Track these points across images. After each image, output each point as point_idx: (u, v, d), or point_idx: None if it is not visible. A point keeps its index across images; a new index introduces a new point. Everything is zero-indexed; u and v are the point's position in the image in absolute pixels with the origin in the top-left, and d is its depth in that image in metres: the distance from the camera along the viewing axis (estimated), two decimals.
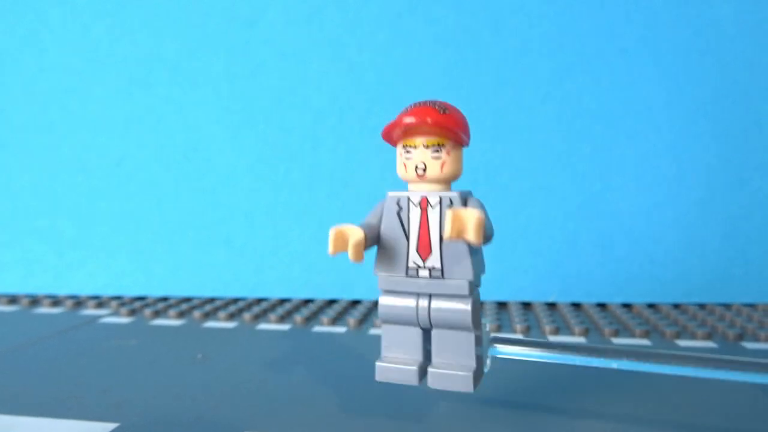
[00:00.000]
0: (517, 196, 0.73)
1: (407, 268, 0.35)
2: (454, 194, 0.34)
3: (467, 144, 0.35)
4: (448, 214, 0.30)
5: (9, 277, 0.83)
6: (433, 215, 0.34)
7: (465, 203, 0.34)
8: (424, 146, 0.34)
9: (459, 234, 0.30)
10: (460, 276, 0.34)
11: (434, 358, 0.35)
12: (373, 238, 0.35)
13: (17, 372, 0.49)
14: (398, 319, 0.35)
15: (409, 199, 0.35)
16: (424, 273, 0.34)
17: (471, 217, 0.30)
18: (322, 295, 0.75)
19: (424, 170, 0.34)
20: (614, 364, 0.36)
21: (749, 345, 0.53)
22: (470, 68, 0.74)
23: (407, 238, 0.35)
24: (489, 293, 0.71)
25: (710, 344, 0.53)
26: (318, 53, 0.76)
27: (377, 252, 0.35)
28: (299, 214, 0.77)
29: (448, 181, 0.35)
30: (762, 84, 0.69)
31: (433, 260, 0.34)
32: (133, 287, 0.79)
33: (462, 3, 0.73)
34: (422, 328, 0.35)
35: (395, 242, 0.35)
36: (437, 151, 0.34)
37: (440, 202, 0.34)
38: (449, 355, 0.35)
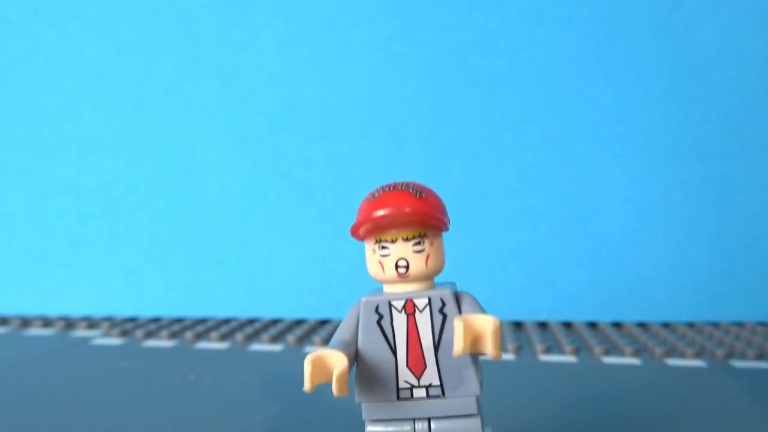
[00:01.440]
0: (507, 217, 0.73)
1: (398, 389, 0.29)
2: (444, 292, 0.29)
3: (447, 229, 0.30)
4: (458, 325, 0.25)
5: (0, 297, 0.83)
6: (423, 321, 0.29)
7: (458, 301, 0.29)
8: (403, 239, 0.29)
9: (473, 348, 0.26)
10: (465, 392, 0.29)
11: None
12: (353, 360, 0.29)
13: (7, 395, 0.49)
14: None
15: (390, 304, 0.29)
16: (419, 393, 0.29)
17: (487, 325, 0.26)
18: (314, 315, 0.75)
19: (407, 268, 0.28)
20: None
21: (737, 364, 0.54)
22: (459, 90, 0.75)
23: (394, 352, 0.29)
24: None
25: (699, 363, 0.54)
26: (309, 76, 0.77)
27: (357, 374, 0.29)
28: (291, 235, 0.77)
29: (432, 277, 0.30)
30: (745, 105, 0.71)
31: (430, 376, 0.29)
32: (124, 308, 0.79)
33: (450, 27, 0.75)
34: None
35: (379, 359, 0.29)
36: (419, 243, 0.29)
37: (429, 305, 0.29)
38: None
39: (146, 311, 0.79)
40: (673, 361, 0.55)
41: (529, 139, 0.74)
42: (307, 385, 0.26)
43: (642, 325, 0.69)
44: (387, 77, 0.76)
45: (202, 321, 0.76)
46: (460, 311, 0.29)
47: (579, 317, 0.71)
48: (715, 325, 0.68)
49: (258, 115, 0.78)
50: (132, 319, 0.78)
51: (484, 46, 0.74)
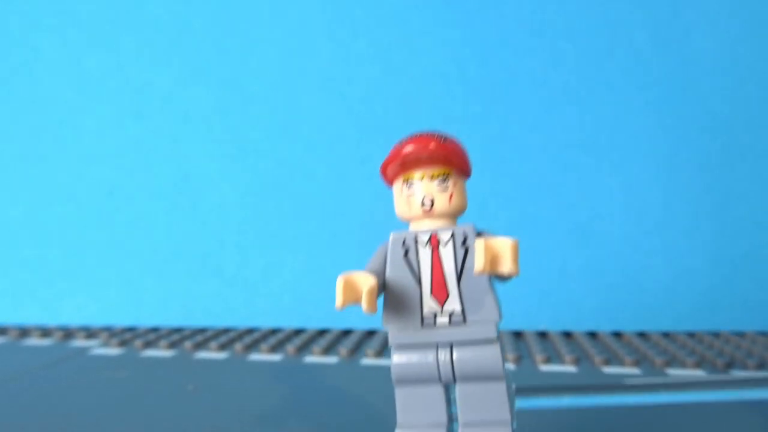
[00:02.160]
0: (506, 226, 0.73)
1: (422, 316, 0.30)
2: (468, 228, 0.31)
3: (470, 174, 0.32)
4: (479, 244, 0.27)
5: None
6: (447, 254, 0.30)
7: (480, 235, 0.31)
8: (428, 178, 0.30)
9: (492, 266, 0.27)
10: (486, 317, 0.30)
11: (463, 418, 0.30)
12: (381, 287, 0.30)
13: (5, 406, 0.49)
14: (417, 378, 0.31)
15: (416, 238, 0.31)
16: (442, 320, 0.30)
17: (505, 244, 0.27)
18: (313, 324, 0.75)
19: (432, 204, 0.30)
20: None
21: (738, 373, 0.53)
22: (458, 100, 0.75)
23: (419, 282, 0.31)
24: None
25: (699, 373, 0.54)
26: (308, 86, 0.78)
27: (385, 302, 0.31)
28: (290, 244, 0.77)
29: (455, 216, 0.31)
30: (744, 115, 0.71)
31: (452, 303, 0.30)
32: (123, 317, 0.79)
33: (450, 37, 0.75)
34: (444, 385, 0.31)
35: (405, 288, 0.31)
36: (444, 181, 0.30)
37: (452, 239, 0.30)
38: (480, 413, 0.30)
39: (145, 321, 0.78)
40: (673, 371, 0.54)
41: (528, 149, 0.74)
42: (338, 303, 0.28)
43: (642, 335, 0.69)
44: (386, 86, 0.76)
45: (201, 331, 0.76)
46: None
47: (579, 327, 0.71)
48: (716, 334, 0.68)
49: (257, 125, 0.79)
50: (131, 329, 0.78)
51: (483, 55, 0.75)
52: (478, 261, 0.27)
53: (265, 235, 0.78)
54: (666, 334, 0.69)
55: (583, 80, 0.73)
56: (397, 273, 0.31)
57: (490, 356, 0.30)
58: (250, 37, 0.79)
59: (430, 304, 0.30)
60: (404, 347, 0.31)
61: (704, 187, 0.72)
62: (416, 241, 0.31)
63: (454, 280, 0.30)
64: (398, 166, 0.31)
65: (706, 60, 0.71)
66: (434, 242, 0.31)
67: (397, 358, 0.31)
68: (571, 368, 0.56)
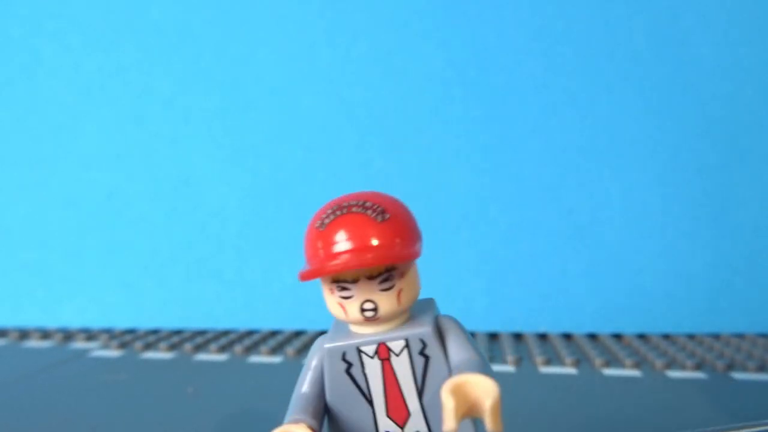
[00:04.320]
0: (507, 229, 0.73)
1: None
2: (423, 331, 0.24)
3: (420, 253, 0.25)
4: (447, 400, 0.21)
5: None
6: (401, 365, 0.25)
7: (441, 332, 0.25)
8: (366, 278, 0.24)
9: (467, 415, 0.22)
10: None
11: None
12: (322, 418, 0.25)
13: (5, 408, 0.49)
14: None
15: (359, 350, 0.25)
16: None
17: (485, 395, 0.21)
18: (313, 326, 0.75)
19: (375, 311, 0.24)
20: None
21: (738, 375, 0.53)
22: (457, 103, 0.75)
23: (370, 402, 0.25)
24: (480, 324, 0.71)
25: (700, 375, 0.54)
26: (308, 89, 0.78)
27: (330, 430, 0.26)
28: (289, 247, 0.77)
29: (407, 311, 0.25)
30: (744, 118, 0.71)
31: (415, 423, 0.25)
32: (123, 320, 0.79)
33: (450, 40, 0.75)
34: None
35: (353, 412, 0.25)
36: (387, 279, 0.24)
37: (407, 347, 0.25)
38: None
39: (145, 323, 0.78)
40: (673, 373, 0.54)
41: (528, 152, 0.74)
42: None
43: (642, 337, 0.69)
44: (386, 90, 0.76)
45: (201, 333, 0.76)
46: (444, 350, 0.25)
47: (579, 329, 0.71)
48: (716, 336, 0.68)
49: (257, 128, 0.79)
50: (131, 331, 0.78)
51: (482, 59, 0.75)
52: (447, 422, 0.21)
53: (264, 238, 0.78)
54: (666, 336, 0.69)
55: (582, 84, 0.73)
56: (340, 395, 0.25)
57: None
58: (250, 41, 0.79)
59: (387, 425, 0.25)
60: None
61: (704, 190, 0.72)
62: (360, 354, 0.25)
63: (415, 396, 0.25)
64: (324, 276, 0.24)
65: (705, 64, 0.71)
66: (383, 353, 0.25)
67: None
68: (571, 370, 0.56)
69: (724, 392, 0.49)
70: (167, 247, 0.80)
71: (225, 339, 0.70)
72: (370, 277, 0.24)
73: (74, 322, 0.80)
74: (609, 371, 0.55)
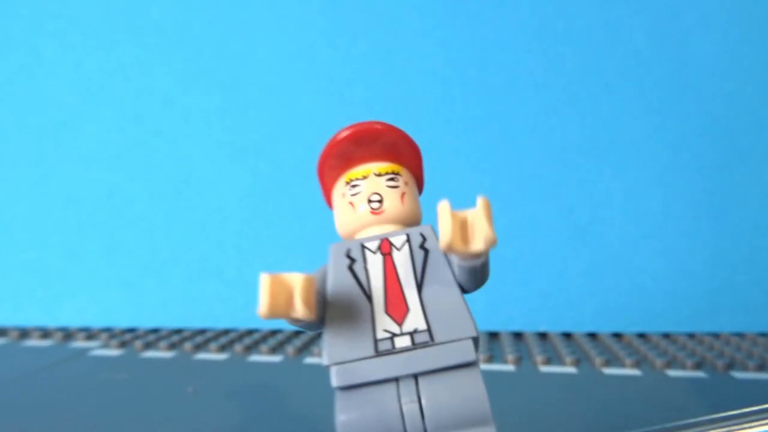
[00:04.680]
0: (507, 228, 0.73)
1: (376, 341, 0.24)
2: (424, 227, 0.25)
3: (422, 183, 0.27)
4: (444, 212, 0.22)
5: None
6: (402, 259, 0.25)
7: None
8: (375, 174, 0.26)
9: (463, 243, 0.22)
10: (459, 333, 0.24)
11: None
12: (321, 304, 0.24)
13: (5, 407, 0.49)
14: None
15: (363, 246, 0.25)
16: (402, 342, 0.23)
17: (477, 212, 0.22)
18: None
19: (380, 202, 0.25)
20: None
21: (738, 374, 0.53)
22: (458, 102, 0.75)
23: (369, 298, 0.24)
24: (480, 324, 0.71)
25: (700, 374, 0.54)
26: (308, 88, 0.78)
27: (326, 332, 0.24)
28: (290, 246, 0.77)
29: (409, 222, 0.26)
30: (744, 117, 0.71)
31: (414, 320, 0.24)
32: (123, 319, 0.79)
33: (450, 40, 0.75)
34: None
35: (352, 308, 0.24)
36: (393, 179, 0.26)
37: (408, 242, 0.25)
38: None
39: (145, 322, 0.78)
40: (673, 372, 0.54)
41: (528, 151, 0.74)
42: (263, 308, 0.22)
43: (642, 336, 0.69)
44: (386, 89, 0.76)
45: (201, 332, 0.76)
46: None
47: (579, 328, 0.71)
48: (716, 335, 0.68)
49: (257, 127, 0.79)
50: (131, 330, 0.78)
51: (482, 58, 0.75)
52: (444, 229, 0.21)
53: (264, 237, 0.78)
54: (666, 336, 0.69)
55: (583, 83, 0.73)
56: (340, 290, 0.24)
57: (470, 388, 0.23)
58: (250, 40, 0.79)
59: (385, 323, 0.24)
60: (353, 392, 0.23)
61: (704, 189, 0.72)
62: (363, 250, 0.25)
63: (414, 291, 0.24)
64: (338, 158, 0.26)
65: (705, 63, 0.71)
66: (386, 248, 0.25)
67: (345, 415, 0.23)
68: (571, 369, 0.56)
69: (724, 391, 0.49)
70: (167, 246, 0.80)
71: (225, 338, 0.70)
72: (378, 174, 0.26)
73: (74, 321, 0.80)
74: (609, 370, 0.55)
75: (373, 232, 0.26)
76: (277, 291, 0.23)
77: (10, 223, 0.84)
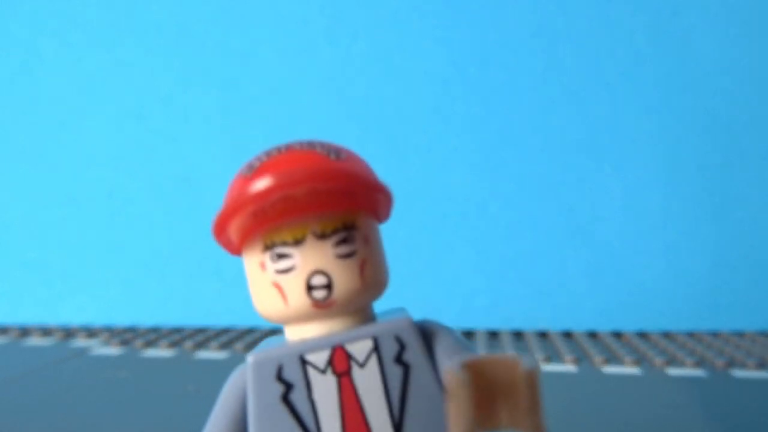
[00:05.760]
0: (507, 227, 0.73)
1: None
2: (400, 324, 0.17)
3: (389, 213, 0.18)
4: (455, 383, 0.13)
5: None
6: (369, 383, 0.16)
7: (427, 339, 0.17)
8: (315, 236, 0.16)
9: (488, 426, 0.13)
10: None
11: None
12: None
13: (6, 405, 0.49)
14: None
15: (303, 360, 0.17)
16: None
17: (515, 369, 0.13)
18: None
19: (329, 288, 0.16)
20: None
21: (738, 373, 0.53)
22: (458, 101, 0.75)
23: None
24: (480, 322, 0.71)
25: (699, 372, 0.54)
26: (308, 86, 0.78)
27: None
28: None
29: (371, 300, 0.18)
30: (744, 117, 0.71)
31: None
32: (123, 317, 0.79)
33: (450, 39, 0.75)
34: None
35: None
36: (345, 241, 0.16)
37: (376, 350, 0.16)
38: None
39: (145, 321, 0.78)
40: (673, 371, 0.54)
41: (529, 150, 0.74)
42: None
43: (642, 335, 0.69)
44: (386, 88, 0.76)
45: (202, 330, 0.76)
46: (432, 358, 0.17)
47: (579, 327, 0.71)
48: (715, 334, 0.68)
49: (257, 125, 0.79)
50: (131, 329, 0.78)
51: (483, 56, 0.75)
52: (458, 422, 0.13)
53: None
54: (666, 334, 0.69)
55: (583, 81, 0.73)
56: None
57: None
58: (251, 38, 0.79)
59: None
60: None
61: (704, 188, 0.72)
62: (304, 367, 0.17)
63: (388, 428, 0.16)
64: (251, 218, 0.16)
65: (706, 62, 0.71)
66: (340, 363, 0.16)
67: None
68: (571, 368, 0.56)
69: (723, 389, 0.49)
70: (168, 244, 0.80)
71: (225, 336, 0.70)
72: (322, 236, 0.16)
73: (75, 320, 0.80)
74: (609, 369, 0.55)
75: (315, 330, 0.17)
76: None
77: (10, 221, 0.84)
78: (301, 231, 0.16)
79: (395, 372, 0.16)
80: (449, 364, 0.14)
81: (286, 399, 0.17)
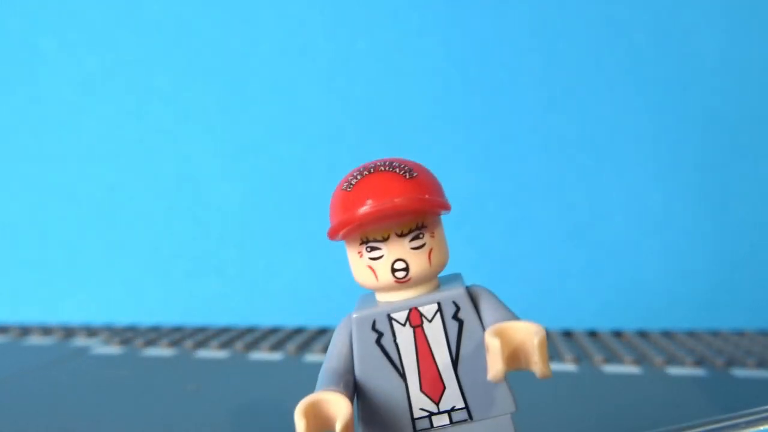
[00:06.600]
0: (507, 226, 0.73)
1: (413, 420, 0.23)
2: (456, 293, 0.24)
3: (450, 209, 0.25)
4: (492, 343, 0.21)
5: None
6: (435, 333, 0.24)
7: (473, 300, 0.24)
8: (397, 235, 0.23)
9: (512, 366, 0.21)
10: (498, 410, 0.24)
11: None
12: (353, 394, 0.24)
13: (6, 405, 0.49)
14: None
15: (390, 317, 0.24)
16: (441, 420, 0.23)
17: (528, 336, 0.21)
18: (313, 323, 0.75)
19: (407, 271, 0.23)
20: None
21: (738, 372, 0.53)
22: (458, 99, 0.75)
23: (402, 376, 0.24)
24: None
25: (699, 372, 0.54)
26: (309, 85, 0.78)
27: (360, 410, 0.24)
28: (290, 243, 0.77)
29: (437, 275, 0.25)
30: (745, 115, 0.71)
31: (451, 398, 0.23)
32: (124, 316, 0.79)
33: (450, 36, 0.75)
34: None
35: (385, 388, 0.24)
36: (417, 237, 0.23)
37: (440, 311, 0.24)
38: None
39: (146, 319, 0.78)
40: (673, 370, 0.55)
41: (529, 148, 0.74)
42: None
43: (642, 334, 0.69)
44: (387, 86, 0.76)
45: (202, 329, 0.76)
46: (479, 314, 0.24)
47: (579, 326, 0.71)
48: (715, 333, 0.68)
49: (258, 124, 0.79)
50: (131, 328, 0.78)
51: (483, 54, 0.75)
52: (494, 367, 0.20)
53: (265, 234, 0.78)
54: (666, 333, 0.70)
55: (583, 80, 0.73)
56: (370, 369, 0.24)
57: None
58: (251, 36, 0.79)
59: (421, 402, 0.23)
60: None
61: (704, 186, 0.72)
62: (390, 322, 0.24)
63: (450, 367, 0.23)
64: (356, 228, 0.23)
65: (706, 60, 0.71)
66: (415, 320, 0.24)
67: None
68: (571, 367, 0.56)
69: (723, 389, 0.49)
70: (168, 243, 0.80)
71: (226, 336, 0.70)
72: (401, 235, 0.23)
73: (75, 319, 0.80)
74: (609, 368, 0.55)
75: (397, 296, 0.24)
76: (314, 426, 0.22)
77: (10, 220, 0.84)
78: (387, 232, 0.23)
79: (453, 325, 0.24)
80: (487, 329, 0.21)
81: (378, 342, 0.24)
